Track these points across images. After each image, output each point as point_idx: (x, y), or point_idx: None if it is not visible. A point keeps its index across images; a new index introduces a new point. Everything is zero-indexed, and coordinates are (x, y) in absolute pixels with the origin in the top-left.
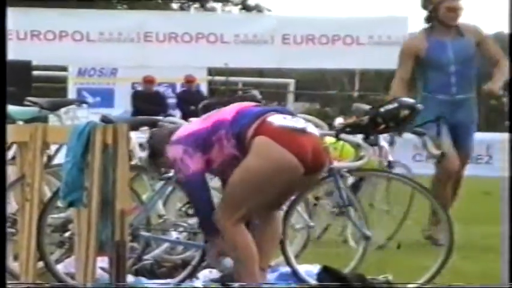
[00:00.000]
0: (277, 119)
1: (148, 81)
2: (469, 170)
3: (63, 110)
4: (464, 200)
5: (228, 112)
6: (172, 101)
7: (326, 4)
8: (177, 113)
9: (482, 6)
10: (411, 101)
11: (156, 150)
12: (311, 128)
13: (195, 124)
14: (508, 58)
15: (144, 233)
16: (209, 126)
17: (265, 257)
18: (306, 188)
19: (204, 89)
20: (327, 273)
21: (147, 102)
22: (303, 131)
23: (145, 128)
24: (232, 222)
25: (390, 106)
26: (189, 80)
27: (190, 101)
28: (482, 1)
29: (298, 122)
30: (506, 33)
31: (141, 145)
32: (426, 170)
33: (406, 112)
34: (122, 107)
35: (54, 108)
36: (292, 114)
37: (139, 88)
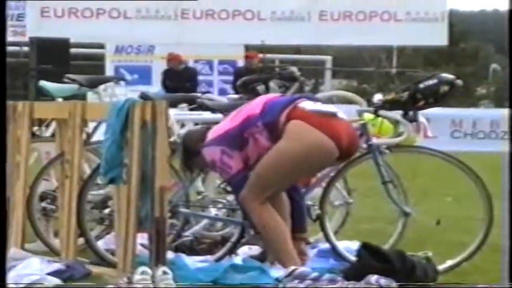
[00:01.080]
0: (308, 105)
1: (172, 58)
2: (508, 146)
3: (101, 87)
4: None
5: (255, 106)
6: (208, 78)
7: None
8: (214, 90)
9: None
10: (451, 76)
11: (190, 151)
12: (341, 115)
13: (225, 123)
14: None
15: (183, 210)
16: (239, 124)
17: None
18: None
19: (241, 65)
20: (366, 249)
21: (176, 80)
22: (334, 115)
23: (184, 105)
24: (259, 202)
25: (430, 82)
26: (249, 56)
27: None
28: None
29: (329, 107)
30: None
31: (180, 122)
32: (464, 147)
33: (445, 88)
34: (159, 84)
35: (93, 85)
36: (320, 101)
37: (168, 66)
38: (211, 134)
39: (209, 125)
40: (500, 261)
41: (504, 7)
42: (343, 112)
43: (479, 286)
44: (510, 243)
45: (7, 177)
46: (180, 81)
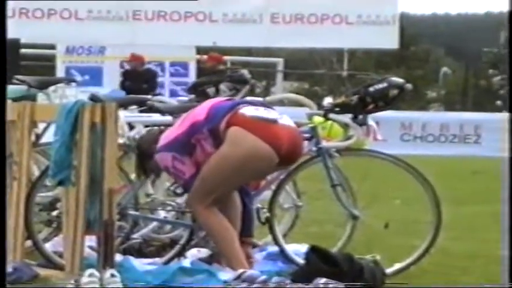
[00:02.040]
0: (249, 110)
1: (136, 58)
2: (457, 150)
3: (51, 88)
4: (453, 180)
5: (200, 111)
6: (160, 79)
7: None
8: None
9: None
10: (400, 80)
11: (144, 154)
12: (285, 120)
13: (174, 130)
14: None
15: (132, 212)
16: (186, 130)
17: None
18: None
19: (192, 68)
20: (314, 252)
21: (136, 81)
22: (275, 122)
23: (134, 106)
24: (205, 206)
25: (379, 85)
26: (214, 58)
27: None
28: None
29: (270, 113)
30: (496, 12)
31: (130, 124)
32: (413, 150)
33: (395, 92)
34: (110, 85)
35: (43, 86)
36: (265, 105)
37: (128, 67)
38: (162, 140)
39: (163, 127)
40: (500, 262)
41: (455, 11)
42: (292, 115)
43: (479, 286)
44: (510, 244)
45: None
46: (140, 82)
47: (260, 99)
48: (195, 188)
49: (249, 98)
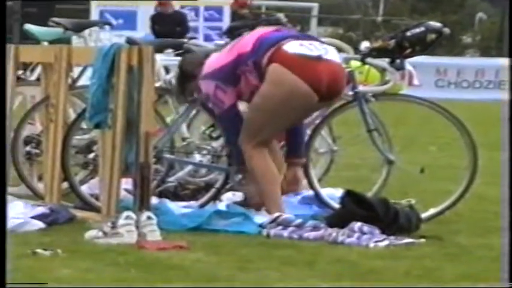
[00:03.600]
0: (292, 47)
1: (163, 3)
2: (492, 95)
3: (86, 31)
4: (489, 125)
5: (248, 41)
6: (194, 24)
7: None
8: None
9: None
10: (438, 24)
11: (186, 76)
12: (331, 55)
13: (221, 57)
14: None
15: (168, 156)
16: (234, 59)
17: None
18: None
19: (227, 12)
20: (349, 197)
21: (166, 24)
22: (318, 59)
23: (170, 50)
24: (253, 145)
25: (417, 30)
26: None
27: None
28: None
29: (315, 49)
30: None
31: (166, 67)
32: (448, 94)
33: (433, 36)
34: (144, 29)
35: (79, 29)
36: (313, 39)
37: (156, 11)
38: (208, 67)
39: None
40: (500, 262)
41: None
42: None
43: (479, 286)
44: (510, 243)
45: None
46: (170, 25)
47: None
48: (243, 127)
49: (297, 32)
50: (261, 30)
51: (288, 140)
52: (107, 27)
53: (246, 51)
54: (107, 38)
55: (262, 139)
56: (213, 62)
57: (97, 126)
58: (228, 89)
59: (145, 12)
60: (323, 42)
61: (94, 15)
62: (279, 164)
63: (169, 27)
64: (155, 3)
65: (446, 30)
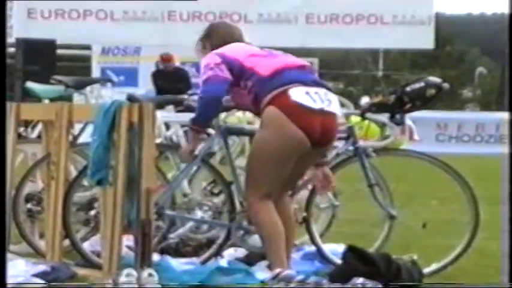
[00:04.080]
0: (297, 94)
1: (166, 59)
2: (493, 149)
3: (88, 88)
4: (489, 179)
5: (267, 67)
6: (196, 80)
7: None
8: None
9: None
10: (438, 80)
11: None
12: (333, 106)
13: (242, 54)
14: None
15: (169, 212)
16: (247, 68)
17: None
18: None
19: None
20: (351, 252)
21: (168, 81)
22: (319, 111)
23: (171, 106)
24: (257, 198)
25: (417, 85)
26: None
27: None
28: None
29: (319, 100)
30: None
31: (166, 124)
32: (449, 149)
33: (432, 91)
34: (145, 85)
35: (80, 86)
36: (321, 86)
37: (160, 67)
38: (227, 50)
39: None
40: (500, 261)
41: (491, 11)
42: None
43: (479, 286)
44: (510, 243)
45: None
46: (173, 82)
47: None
48: (246, 180)
49: (313, 74)
50: (287, 59)
51: None
52: (108, 84)
53: (260, 73)
54: (109, 94)
55: (266, 191)
56: (234, 51)
57: (98, 183)
58: (225, 73)
59: (146, 68)
60: (330, 90)
61: (95, 73)
62: (288, 217)
63: (171, 84)
64: (156, 59)
65: (446, 85)
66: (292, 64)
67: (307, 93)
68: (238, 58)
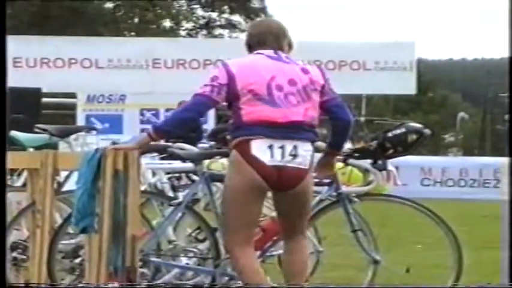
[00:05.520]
0: (257, 147)
1: None
2: (477, 194)
3: (73, 136)
4: (474, 224)
5: (252, 115)
6: None
7: (332, 30)
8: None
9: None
10: (418, 125)
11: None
12: (296, 162)
13: (255, 83)
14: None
15: (154, 259)
16: (238, 107)
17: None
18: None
19: (211, 115)
20: None
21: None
22: (273, 167)
23: (155, 154)
24: (237, 246)
25: (398, 131)
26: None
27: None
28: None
29: (280, 155)
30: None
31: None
32: (434, 193)
33: (414, 137)
34: (130, 133)
35: (64, 135)
36: (292, 139)
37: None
38: (237, 63)
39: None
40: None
41: (472, 56)
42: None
43: (479, 286)
44: (510, 243)
45: None
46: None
47: None
48: (222, 227)
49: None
50: (285, 112)
51: (332, 137)
52: (93, 131)
53: (243, 120)
54: (94, 142)
55: (243, 237)
56: (241, 68)
57: (83, 230)
58: (218, 92)
59: (130, 116)
60: (302, 141)
61: (81, 120)
62: (301, 261)
63: (185, 132)
64: (142, 106)
65: (427, 131)
66: (280, 120)
67: (269, 147)
68: (244, 89)
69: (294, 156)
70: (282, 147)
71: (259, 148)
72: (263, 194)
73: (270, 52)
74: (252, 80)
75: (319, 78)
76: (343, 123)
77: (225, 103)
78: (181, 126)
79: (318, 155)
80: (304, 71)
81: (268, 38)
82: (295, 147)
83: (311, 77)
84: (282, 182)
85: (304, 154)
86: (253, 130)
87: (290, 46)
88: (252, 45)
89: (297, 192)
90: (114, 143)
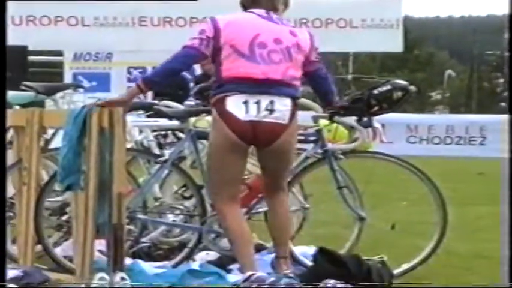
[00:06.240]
0: (232, 103)
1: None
2: (463, 151)
3: (59, 94)
4: (459, 181)
5: (231, 71)
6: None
7: None
8: None
9: None
10: (404, 82)
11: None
12: (273, 116)
13: (238, 40)
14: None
15: (141, 216)
16: (220, 61)
17: (279, 244)
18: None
19: (198, 72)
20: (322, 254)
21: (169, 86)
22: (248, 122)
23: (142, 111)
24: (222, 203)
25: (383, 88)
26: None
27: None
28: None
29: (256, 110)
30: (498, 15)
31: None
32: (420, 151)
33: (399, 94)
34: (117, 91)
35: (51, 92)
36: (269, 94)
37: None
38: (228, 18)
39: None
40: (500, 262)
41: (459, 13)
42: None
43: (479, 286)
44: (510, 242)
45: None
46: (172, 88)
47: None
48: (208, 184)
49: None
50: (265, 69)
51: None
52: (80, 89)
53: (222, 75)
54: (81, 100)
55: (228, 194)
56: (236, 29)
57: (69, 188)
58: (207, 43)
59: (118, 74)
60: (280, 96)
61: (67, 78)
62: (282, 214)
63: (171, 90)
64: (129, 64)
65: (413, 88)
66: (257, 76)
67: (245, 102)
68: (226, 43)
69: (271, 111)
70: (257, 103)
71: (234, 104)
72: (242, 151)
73: (262, 12)
74: (235, 35)
75: (306, 44)
76: (325, 96)
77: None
78: (169, 76)
79: (302, 113)
80: (293, 33)
81: None
82: (271, 102)
83: (298, 40)
84: (259, 138)
85: (282, 109)
86: (230, 86)
87: (286, 5)
88: (246, 5)
89: (276, 147)
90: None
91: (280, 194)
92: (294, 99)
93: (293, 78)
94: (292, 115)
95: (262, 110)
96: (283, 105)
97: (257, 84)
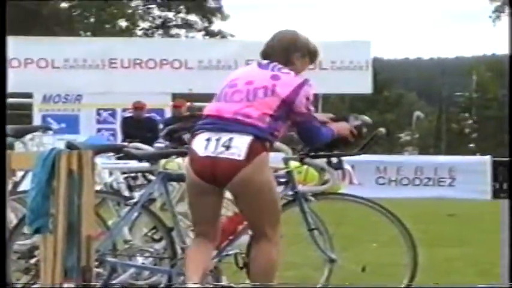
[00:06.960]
0: (197, 140)
1: (138, 107)
2: (432, 192)
3: (28, 136)
4: (429, 222)
5: (209, 109)
6: None
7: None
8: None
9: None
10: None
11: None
12: (230, 152)
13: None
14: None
15: (110, 259)
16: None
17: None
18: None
19: (168, 114)
20: None
21: (138, 129)
22: (206, 157)
23: (111, 154)
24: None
25: (355, 122)
26: (176, 105)
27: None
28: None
29: (214, 147)
30: (467, 56)
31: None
32: (389, 192)
33: (365, 130)
34: (86, 133)
35: (20, 135)
36: (229, 131)
37: (129, 114)
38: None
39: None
40: (500, 262)
41: (427, 55)
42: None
43: (479, 286)
44: (510, 244)
45: None
46: (142, 130)
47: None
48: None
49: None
50: (229, 107)
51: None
52: (49, 131)
53: (204, 112)
54: (50, 142)
55: (198, 230)
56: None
57: (37, 231)
58: None
59: (87, 116)
60: (240, 134)
61: (37, 120)
62: (261, 269)
63: (140, 132)
64: (98, 106)
65: (382, 130)
66: (225, 113)
67: (207, 139)
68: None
69: (227, 147)
70: (218, 140)
71: (199, 141)
72: (206, 190)
73: (265, 62)
74: (224, 81)
75: (286, 90)
76: (308, 145)
77: None
78: None
79: (273, 155)
80: (275, 77)
81: (276, 51)
82: (230, 139)
83: (276, 84)
84: (216, 174)
85: (240, 146)
86: (200, 124)
87: (311, 54)
88: (262, 57)
89: (237, 185)
90: (69, 143)
91: (262, 241)
92: (258, 138)
93: (247, 116)
94: (252, 152)
95: (219, 146)
96: (241, 143)
97: (218, 122)
